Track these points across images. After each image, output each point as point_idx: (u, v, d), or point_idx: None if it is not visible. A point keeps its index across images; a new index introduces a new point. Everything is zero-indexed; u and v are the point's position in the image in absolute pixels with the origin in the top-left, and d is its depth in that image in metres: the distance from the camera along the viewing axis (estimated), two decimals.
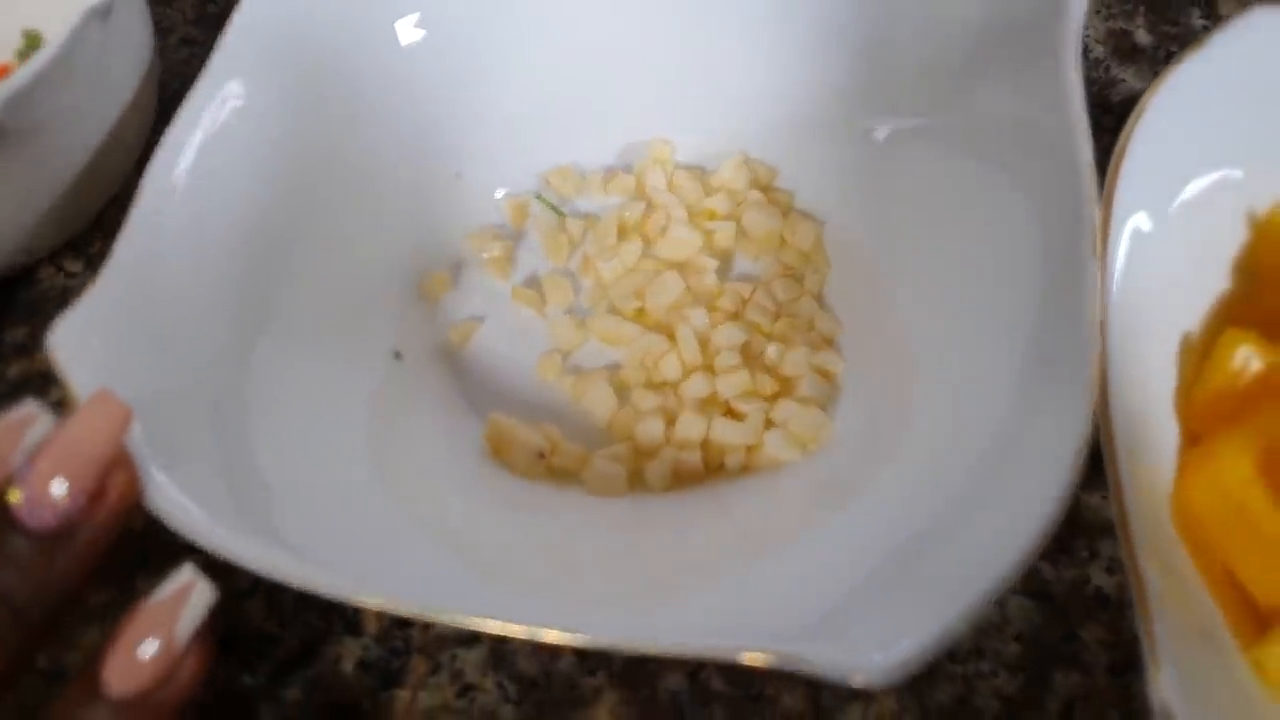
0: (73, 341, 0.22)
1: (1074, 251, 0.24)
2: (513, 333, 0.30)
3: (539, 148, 0.33)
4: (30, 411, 0.20)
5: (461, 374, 0.30)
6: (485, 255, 0.31)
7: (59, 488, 0.19)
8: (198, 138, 0.26)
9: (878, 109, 0.31)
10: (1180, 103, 0.26)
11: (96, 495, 0.19)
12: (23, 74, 0.26)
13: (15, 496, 0.19)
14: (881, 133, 0.31)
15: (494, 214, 0.33)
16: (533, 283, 0.31)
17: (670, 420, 0.28)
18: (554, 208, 0.32)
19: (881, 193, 0.31)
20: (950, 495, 0.23)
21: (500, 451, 0.28)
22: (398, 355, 0.29)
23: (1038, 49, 0.27)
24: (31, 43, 0.36)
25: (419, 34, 0.32)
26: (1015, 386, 0.25)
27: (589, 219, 0.32)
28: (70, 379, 0.21)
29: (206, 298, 0.25)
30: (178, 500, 0.21)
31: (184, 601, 0.19)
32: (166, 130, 0.27)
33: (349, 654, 0.27)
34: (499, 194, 0.33)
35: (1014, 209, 0.26)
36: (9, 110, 0.26)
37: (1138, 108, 0.25)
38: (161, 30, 0.39)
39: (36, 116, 0.27)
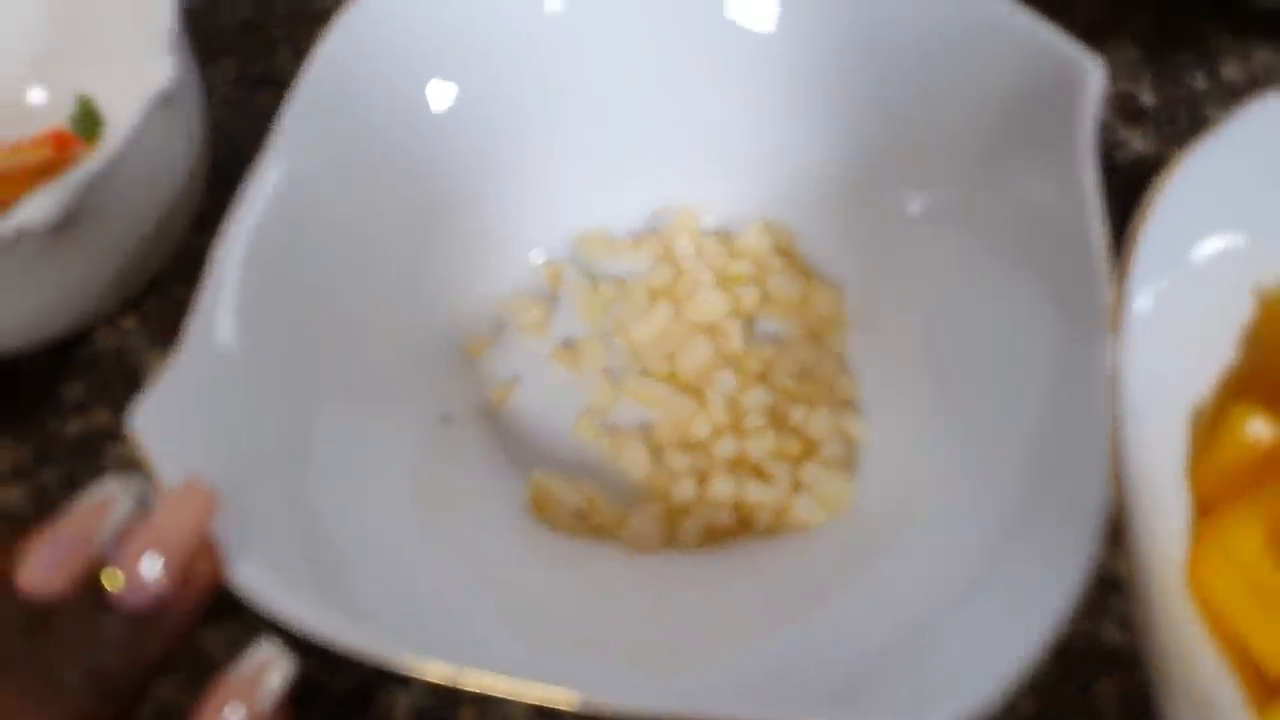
0: (155, 424, 0.23)
1: (1089, 332, 0.25)
2: (551, 392, 0.32)
3: (570, 212, 0.35)
4: (112, 493, 0.22)
5: (503, 433, 0.31)
6: (522, 319, 0.33)
7: (153, 569, 0.20)
8: (253, 220, 0.28)
9: (900, 183, 0.32)
10: (1193, 185, 0.27)
11: (184, 580, 0.21)
12: (93, 165, 0.27)
13: (112, 580, 0.20)
14: (906, 207, 0.32)
15: (530, 276, 0.34)
16: (569, 344, 0.33)
17: (702, 480, 0.29)
18: (587, 273, 0.34)
19: (901, 263, 0.32)
20: (973, 563, 0.25)
21: (543, 510, 0.29)
22: (447, 419, 0.30)
23: (1055, 133, 0.28)
24: (85, 110, 0.37)
25: (450, 102, 0.33)
26: (1032, 453, 0.26)
27: (620, 283, 0.34)
28: (155, 463, 0.23)
29: (268, 374, 0.27)
30: (264, 580, 0.22)
31: (265, 675, 0.21)
32: (229, 216, 0.28)
33: (401, 703, 0.28)
34: (534, 258, 0.34)
35: (1030, 288, 0.28)
36: (80, 197, 0.27)
37: (1152, 188, 0.27)
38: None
39: (103, 199, 0.29)
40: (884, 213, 0.33)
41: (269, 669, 0.21)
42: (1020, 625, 0.22)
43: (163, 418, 0.24)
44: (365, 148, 0.31)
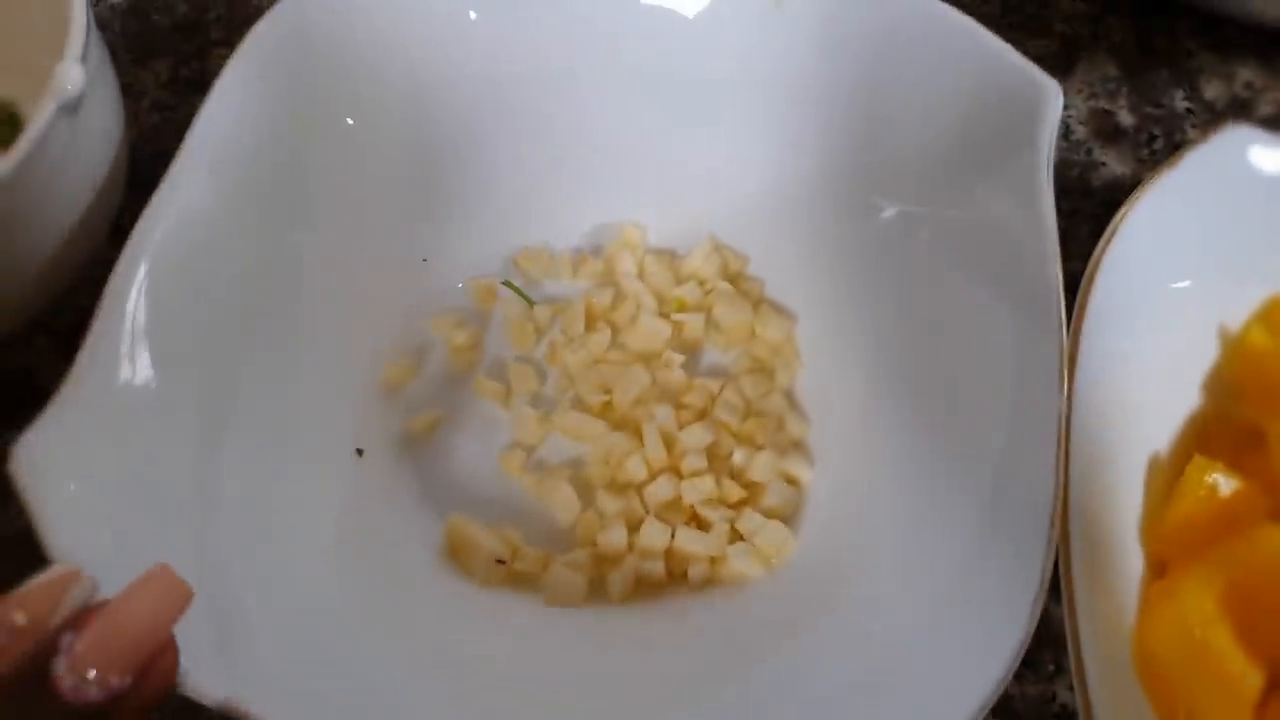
0: (39, 463, 0.22)
1: (1043, 378, 0.24)
2: (476, 425, 0.30)
3: (508, 228, 0.33)
4: (72, 573, 0.19)
5: (423, 470, 0.29)
6: (449, 343, 0.31)
7: (96, 674, 0.18)
8: (157, 240, 0.26)
9: (858, 205, 0.31)
10: (1152, 221, 0.25)
11: (140, 675, 0.18)
12: None
13: (59, 672, 0.18)
14: (864, 230, 0.30)
15: (460, 298, 0.32)
16: (497, 372, 0.31)
17: (634, 526, 0.28)
18: (521, 294, 0.32)
19: (858, 288, 0.30)
20: (911, 626, 0.23)
21: (459, 556, 0.27)
22: (359, 452, 0.28)
23: (1015, 156, 0.26)
24: (7, 113, 0.35)
25: (377, 115, 0.31)
26: (982, 508, 0.24)
27: (557, 305, 0.32)
28: (34, 504, 0.21)
29: (173, 411, 0.25)
30: None
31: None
32: (130, 236, 0.26)
33: None
34: (466, 277, 0.32)
35: (993, 318, 0.26)
36: None
37: (1110, 227, 0.25)
38: (133, 94, 0.39)
39: (6, 208, 0.27)
40: (841, 236, 0.31)
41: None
42: (951, 698, 0.21)
43: (49, 456, 0.22)
44: (282, 164, 0.29)
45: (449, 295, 0.32)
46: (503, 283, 0.32)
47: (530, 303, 0.32)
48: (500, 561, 0.27)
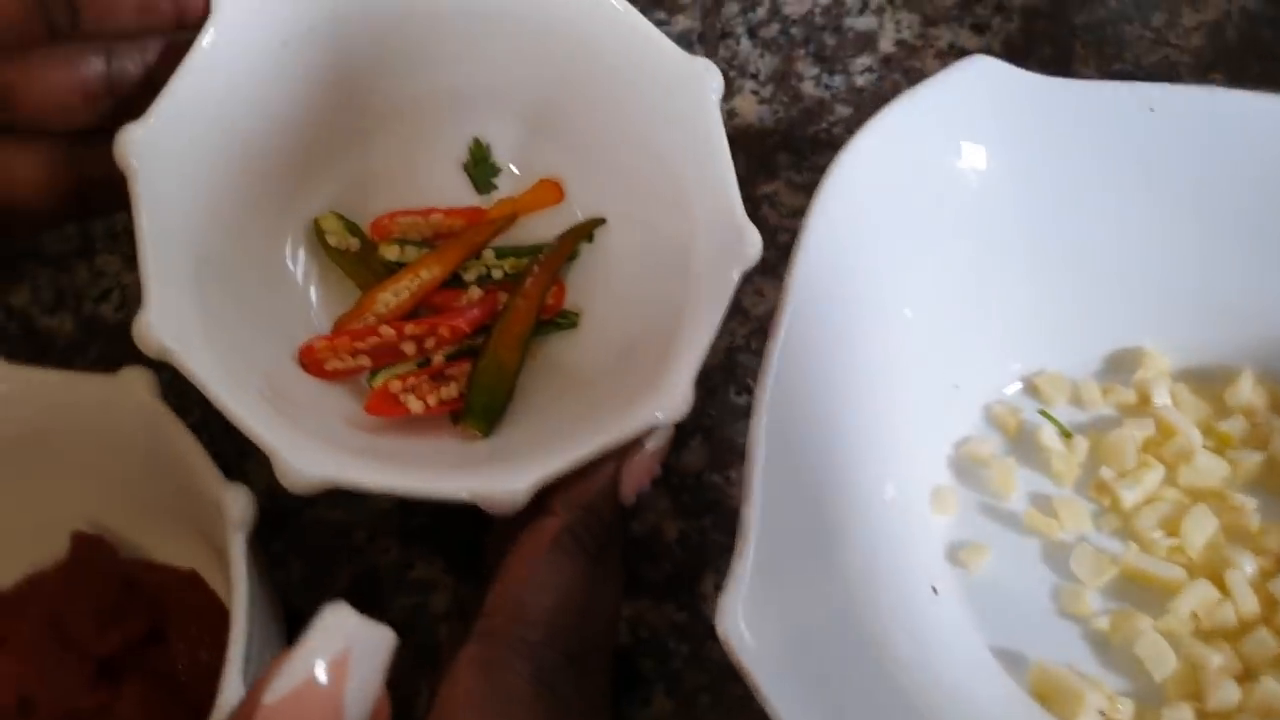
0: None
1: None
2: (1026, 560, 0.29)
3: (1018, 351, 0.32)
4: None
5: (977, 606, 0.28)
6: (984, 471, 0.30)
7: None
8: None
9: None
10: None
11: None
12: None
13: None
14: None
15: (978, 423, 0.31)
16: (1041, 502, 0.30)
17: (1244, 677, 0.25)
18: (1060, 426, 0.31)
19: None
20: None
21: (1049, 700, 0.26)
22: (934, 589, 0.28)
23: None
24: None
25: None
26: None
27: (1093, 435, 0.31)
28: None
29: None
30: None
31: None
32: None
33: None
34: (984, 402, 0.31)
35: None
36: None
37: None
38: None
39: None
40: None
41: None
42: None
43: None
44: None
45: (970, 420, 0.31)
46: (1039, 411, 0.31)
47: (1068, 435, 0.30)
48: (1102, 714, 0.25)
